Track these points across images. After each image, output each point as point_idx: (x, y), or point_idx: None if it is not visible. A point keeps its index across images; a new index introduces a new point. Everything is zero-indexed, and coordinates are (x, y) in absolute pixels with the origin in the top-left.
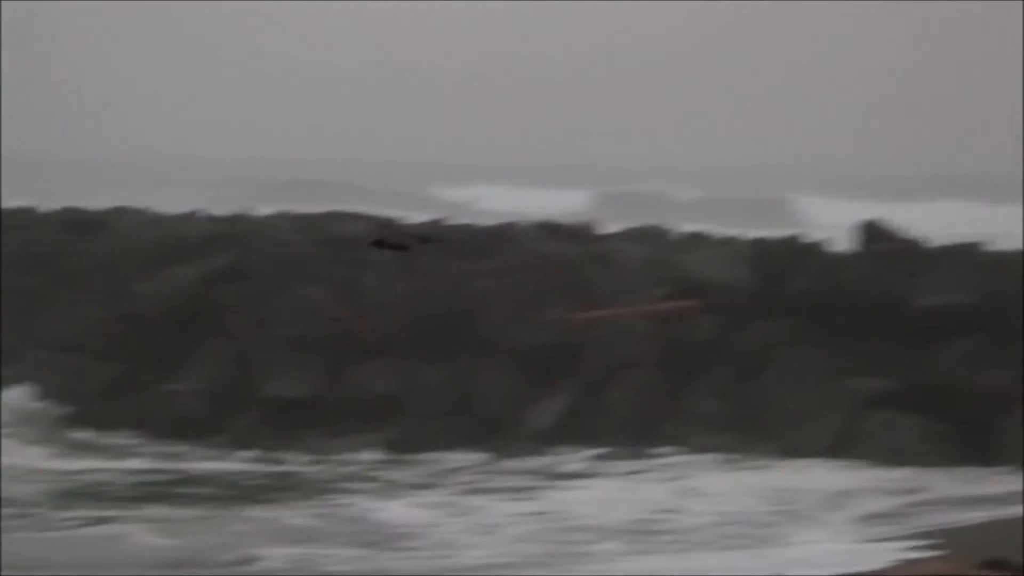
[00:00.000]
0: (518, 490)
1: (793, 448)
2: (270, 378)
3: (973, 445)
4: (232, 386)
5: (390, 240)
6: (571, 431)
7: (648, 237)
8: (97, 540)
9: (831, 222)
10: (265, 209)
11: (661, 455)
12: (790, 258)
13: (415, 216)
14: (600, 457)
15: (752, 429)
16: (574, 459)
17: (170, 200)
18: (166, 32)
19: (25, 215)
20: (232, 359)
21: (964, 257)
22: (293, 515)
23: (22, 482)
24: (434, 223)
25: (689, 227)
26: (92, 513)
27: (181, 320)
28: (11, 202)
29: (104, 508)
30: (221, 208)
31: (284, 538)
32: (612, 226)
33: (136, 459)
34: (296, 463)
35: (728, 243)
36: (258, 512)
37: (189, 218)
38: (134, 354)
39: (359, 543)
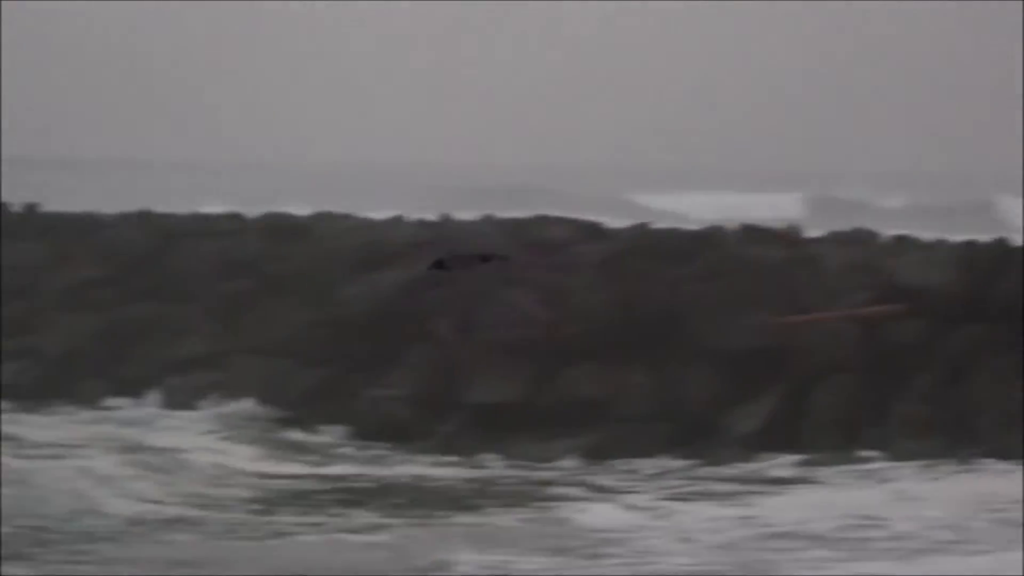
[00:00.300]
0: (722, 496)
1: (1000, 452)
2: (475, 383)
3: None
4: (437, 391)
5: (449, 263)
6: (776, 436)
7: (854, 241)
8: (299, 545)
9: None
10: (468, 214)
11: (867, 460)
12: (997, 261)
13: (619, 221)
14: (805, 462)
15: (959, 434)
16: (779, 464)
17: (374, 206)
18: (371, 39)
19: (230, 221)
20: (437, 364)
21: None
22: (494, 521)
23: (228, 486)
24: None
25: (895, 231)
26: (295, 519)
27: (386, 325)
28: (214, 208)
29: (308, 514)
30: (425, 213)
31: (485, 544)
32: (818, 230)
33: (341, 464)
34: (499, 468)
35: (934, 247)
36: (460, 518)
37: (393, 223)
38: (340, 359)
39: (558, 549)
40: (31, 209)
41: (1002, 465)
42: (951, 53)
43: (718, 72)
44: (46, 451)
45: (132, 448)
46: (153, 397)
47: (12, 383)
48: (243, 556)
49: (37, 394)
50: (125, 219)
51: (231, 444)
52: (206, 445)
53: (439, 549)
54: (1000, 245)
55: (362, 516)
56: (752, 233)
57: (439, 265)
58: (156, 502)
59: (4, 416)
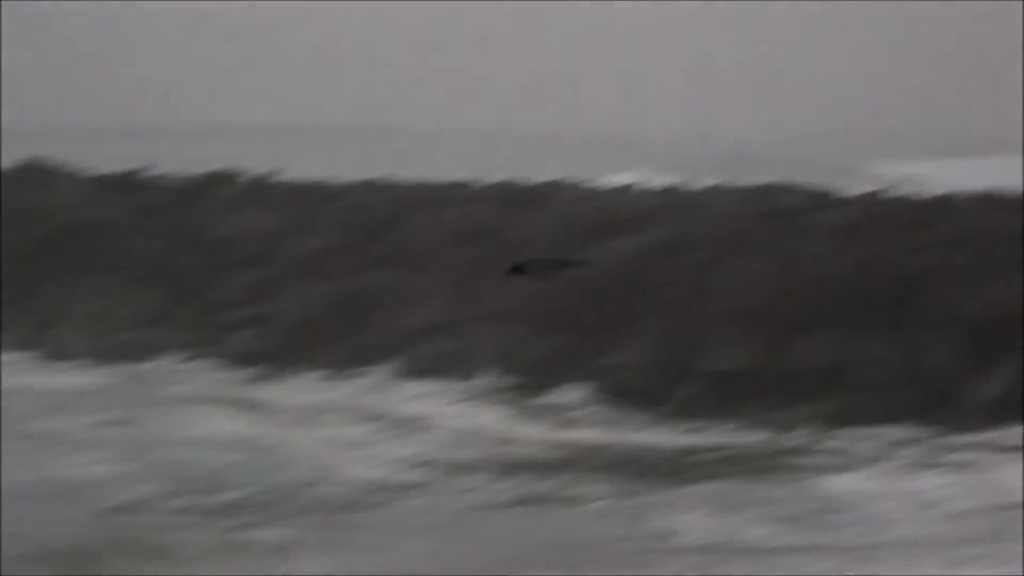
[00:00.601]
0: (961, 464)
1: None
2: (711, 350)
3: None
4: (672, 358)
5: (530, 267)
6: (1017, 405)
7: None
8: (536, 511)
9: None
10: (701, 182)
11: None
12: None
13: (855, 187)
14: None
15: None
16: (1019, 433)
17: (612, 172)
18: (612, 8)
19: (462, 189)
20: (672, 331)
21: None
22: (728, 488)
23: (466, 451)
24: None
25: None
26: (531, 486)
27: (621, 292)
28: (449, 175)
29: (542, 480)
30: (662, 180)
31: (718, 511)
32: None
33: (575, 431)
34: (735, 435)
35: None
36: (693, 485)
37: (625, 191)
38: (575, 326)
39: (793, 517)
40: (265, 178)
41: None
42: None
43: (960, 37)
44: (287, 417)
45: (372, 416)
46: (391, 365)
47: (247, 351)
48: (479, 522)
49: (274, 361)
50: (360, 187)
51: (469, 411)
52: (445, 412)
53: (671, 515)
54: None
55: (595, 482)
56: (988, 200)
57: (517, 269)
58: (396, 468)
59: (243, 385)
